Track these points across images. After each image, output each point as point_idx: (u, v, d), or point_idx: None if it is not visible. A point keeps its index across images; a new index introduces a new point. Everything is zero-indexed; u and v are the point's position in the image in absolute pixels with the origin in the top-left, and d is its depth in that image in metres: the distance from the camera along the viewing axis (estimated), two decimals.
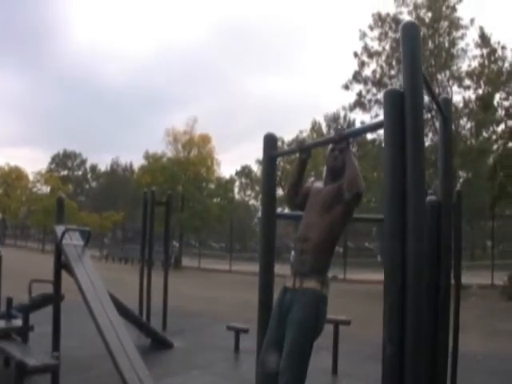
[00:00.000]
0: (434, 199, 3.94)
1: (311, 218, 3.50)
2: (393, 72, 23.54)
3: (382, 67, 24.00)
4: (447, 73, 23.23)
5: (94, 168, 76.91)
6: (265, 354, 3.43)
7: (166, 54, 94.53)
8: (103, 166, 77.38)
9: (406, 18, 23.26)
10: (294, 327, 3.29)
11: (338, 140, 3.43)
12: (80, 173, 76.48)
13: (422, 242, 2.81)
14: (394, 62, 23.37)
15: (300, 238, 3.51)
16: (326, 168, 3.70)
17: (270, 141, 4.33)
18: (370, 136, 28.57)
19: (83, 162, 76.22)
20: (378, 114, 23.91)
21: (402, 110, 2.86)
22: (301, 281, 3.40)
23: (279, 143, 4.68)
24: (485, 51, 22.80)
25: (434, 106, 3.73)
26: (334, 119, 50.08)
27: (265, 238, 4.24)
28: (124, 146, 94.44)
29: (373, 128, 3.50)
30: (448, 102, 4.06)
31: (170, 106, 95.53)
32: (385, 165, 2.91)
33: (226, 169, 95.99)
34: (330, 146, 3.62)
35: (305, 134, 42.02)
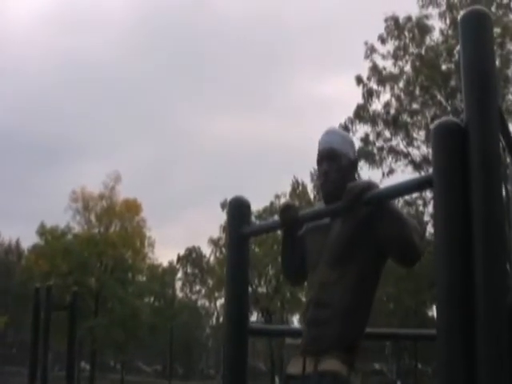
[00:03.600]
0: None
1: (324, 274, 3.47)
2: (416, 105, 23.74)
3: (398, 98, 24.27)
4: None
5: None
6: None
7: (71, 74, 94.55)
8: None
9: (435, 22, 23.81)
10: None
11: (352, 207, 3.31)
12: None
13: (503, 371, 2.62)
14: (417, 91, 23.63)
15: (312, 303, 3.49)
16: (320, 191, 3.83)
17: (240, 210, 4.18)
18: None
19: None
20: (392, 170, 24.01)
21: (465, 158, 2.72)
22: (315, 361, 3.31)
23: None
24: None
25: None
26: None
27: (231, 368, 4.07)
28: (7, 215, 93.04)
29: (414, 188, 3.29)
30: None
31: (77, 157, 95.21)
32: (436, 247, 2.75)
33: (164, 252, 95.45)
34: (317, 157, 3.66)
35: (283, 200, 42.05)
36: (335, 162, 3.58)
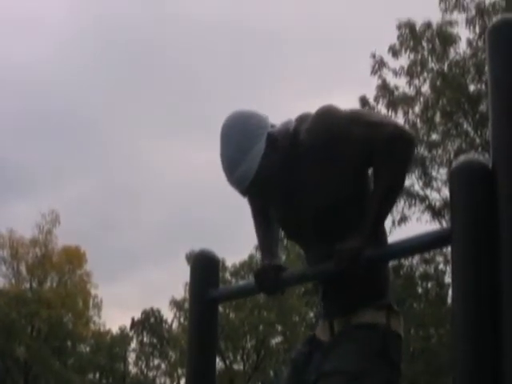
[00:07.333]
0: None
1: (317, 249, 3.52)
2: (436, 136, 23.80)
3: (414, 126, 24.45)
4: None
5: None
6: None
7: None
8: None
9: (461, 31, 24.12)
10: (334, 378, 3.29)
11: (343, 272, 3.35)
12: None
13: None
14: (437, 117, 23.72)
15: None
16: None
17: (207, 267, 4.25)
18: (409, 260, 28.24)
19: None
20: (405, 217, 24.05)
21: (492, 208, 2.70)
22: (346, 319, 3.46)
23: None
24: None
25: None
26: None
27: None
28: None
29: (426, 245, 3.29)
30: None
31: (3, 192, 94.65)
32: (454, 324, 2.75)
33: (114, 316, 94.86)
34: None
35: None
36: (262, 188, 3.48)
